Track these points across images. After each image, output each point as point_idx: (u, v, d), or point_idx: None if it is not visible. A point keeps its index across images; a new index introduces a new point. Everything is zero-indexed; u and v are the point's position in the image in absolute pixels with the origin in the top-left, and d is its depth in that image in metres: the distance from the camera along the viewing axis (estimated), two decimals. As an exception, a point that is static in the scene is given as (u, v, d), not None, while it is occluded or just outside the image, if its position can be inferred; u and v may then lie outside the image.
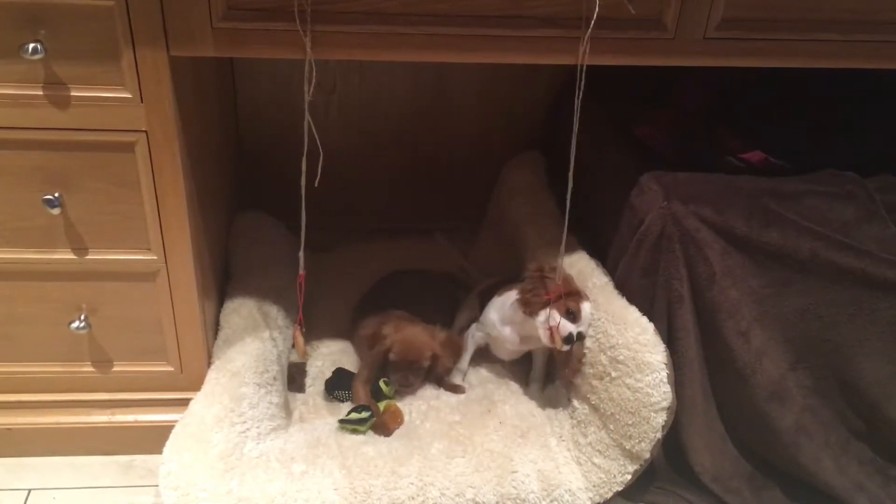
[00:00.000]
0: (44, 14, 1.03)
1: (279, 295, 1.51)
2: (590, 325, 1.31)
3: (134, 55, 1.07)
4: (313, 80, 1.10)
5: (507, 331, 1.42)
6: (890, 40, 1.17)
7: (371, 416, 1.35)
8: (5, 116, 1.10)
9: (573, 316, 1.30)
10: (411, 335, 1.45)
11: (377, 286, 1.69)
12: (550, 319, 1.29)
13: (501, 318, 1.42)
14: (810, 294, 1.27)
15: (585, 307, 1.31)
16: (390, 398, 1.43)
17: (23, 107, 1.09)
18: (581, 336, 1.31)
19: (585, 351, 1.31)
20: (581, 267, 1.40)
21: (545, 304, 1.30)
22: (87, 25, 1.04)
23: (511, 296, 1.39)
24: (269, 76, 1.81)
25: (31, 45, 1.03)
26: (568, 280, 1.34)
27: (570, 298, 1.31)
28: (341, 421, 1.35)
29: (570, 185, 1.22)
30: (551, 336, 1.29)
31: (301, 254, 1.28)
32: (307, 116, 1.14)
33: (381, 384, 1.43)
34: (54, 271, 1.23)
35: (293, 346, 1.41)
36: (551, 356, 1.46)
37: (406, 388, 1.45)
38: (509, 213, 1.74)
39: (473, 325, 1.51)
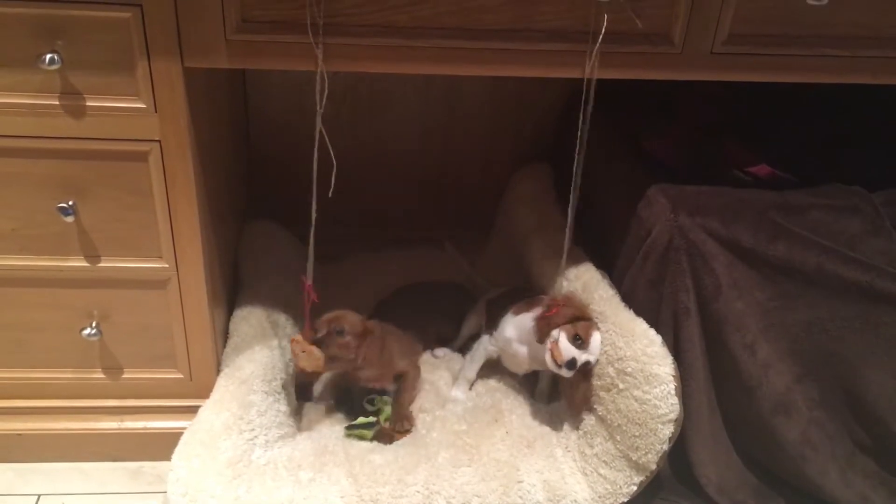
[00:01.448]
0: (61, 25, 1.05)
1: (288, 303, 1.52)
2: (597, 358, 1.29)
3: (149, 66, 1.09)
4: (325, 92, 1.11)
5: (522, 350, 1.41)
6: (895, 56, 1.18)
7: (377, 422, 1.36)
8: (22, 125, 1.11)
9: (581, 342, 1.28)
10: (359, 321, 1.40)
11: (384, 303, 1.69)
12: (552, 338, 1.29)
13: (518, 336, 1.40)
14: (816, 307, 1.28)
15: (596, 337, 1.29)
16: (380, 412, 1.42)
17: (39, 116, 1.11)
18: (588, 367, 1.29)
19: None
20: (587, 279, 1.41)
21: (554, 327, 1.29)
22: (103, 36, 1.06)
23: (529, 317, 1.37)
24: (280, 86, 1.83)
25: (48, 56, 1.05)
26: (581, 307, 1.33)
27: (580, 324, 1.29)
28: (348, 427, 1.36)
29: (574, 198, 1.23)
30: (552, 355, 1.28)
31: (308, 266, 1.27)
32: (319, 126, 1.15)
33: (366, 404, 1.43)
34: (67, 278, 1.24)
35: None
36: (555, 378, 1.46)
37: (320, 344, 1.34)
38: (517, 223, 1.75)
39: (486, 338, 1.49)
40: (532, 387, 1.51)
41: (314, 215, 1.24)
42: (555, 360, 1.28)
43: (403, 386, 1.47)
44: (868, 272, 1.25)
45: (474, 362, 1.50)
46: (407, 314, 1.58)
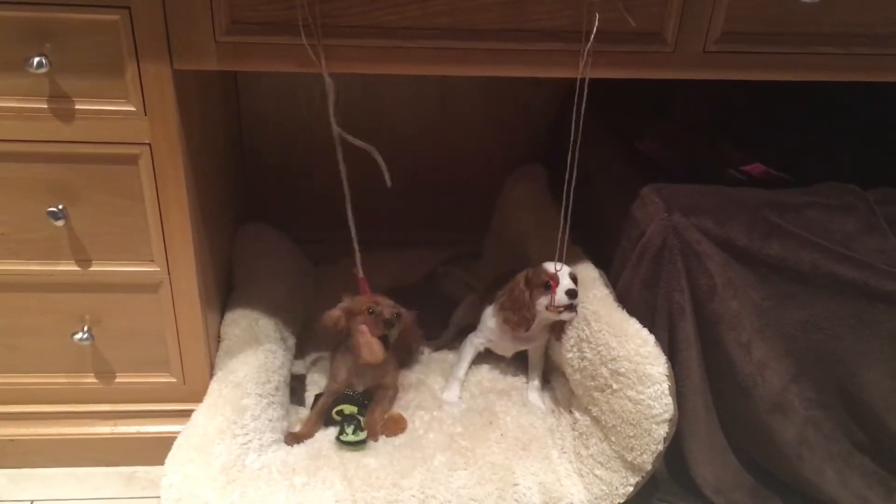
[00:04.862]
0: (49, 28, 1.04)
1: (281, 307, 1.51)
2: (572, 271, 1.37)
3: (138, 69, 1.08)
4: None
5: (507, 336, 1.46)
6: (889, 53, 1.18)
7: (366, 439, 1.35)
8: (10, 129, 1.11)
9: (552, 284, 1.34)
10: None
11: None
12: (548, 305, 1.35)
13: (498, 324, 1.46)
14: (811, 306, 1.27)
15: (548, 266, 1.35)
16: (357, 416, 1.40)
17: (28, 120, 1.10)
18: (574, 281, 1.36)
19: (586, 364, 1.31)
20: (583, 277, 1.41)
21: (529, 309, 1.36)
22: (92, 39, 1.06)
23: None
24: (272, 88, 1.82)
25: (37, 59, 1.04)
26: (521, 277, 1.40)
27: (535, 276, 1.36)
28: (339, 440, 1.35)
29: (569, 197, 1.22)
30: (556, 311, 1.35)
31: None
32: (335, 128, 1.18)
33: (334, 415, 1.40)
34: (58, 283, 1.24)
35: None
36: (547, 355, 1.51)
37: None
38: (513, 225, 1.75)
39: (471, 335, 1.52)
40: (523, 388, 1.52)
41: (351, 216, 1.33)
42: (559, 311, 1.35)
43: (379, 398, 1.44)
44: (863, 270, 1.24)
45: (463, 361, 1.52)
46: None
